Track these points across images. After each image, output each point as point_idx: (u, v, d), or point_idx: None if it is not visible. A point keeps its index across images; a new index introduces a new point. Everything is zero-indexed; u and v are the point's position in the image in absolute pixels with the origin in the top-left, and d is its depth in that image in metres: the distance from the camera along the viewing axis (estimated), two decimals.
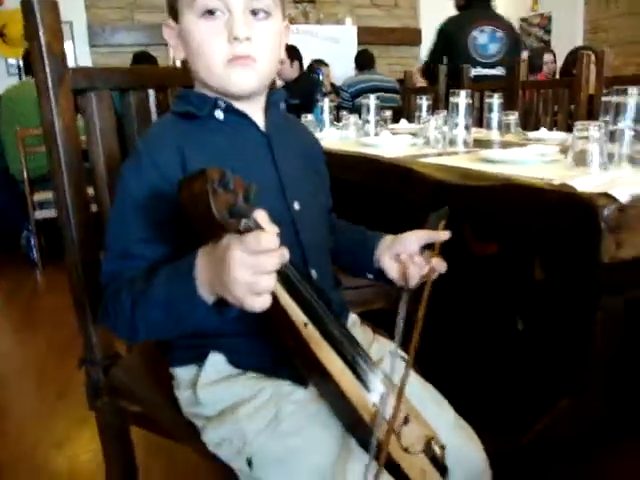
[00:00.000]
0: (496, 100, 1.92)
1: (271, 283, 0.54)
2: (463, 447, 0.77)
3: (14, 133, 3.20)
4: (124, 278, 0.67)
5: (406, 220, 0.95)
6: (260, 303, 0.54)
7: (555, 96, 2.36)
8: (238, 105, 0.75)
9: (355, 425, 0.67)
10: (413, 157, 1.33)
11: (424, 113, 2.31)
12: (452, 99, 1.47)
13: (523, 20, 6.07)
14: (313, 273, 0.77)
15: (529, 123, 2.43)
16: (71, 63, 0.90)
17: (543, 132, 1.82)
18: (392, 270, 0.81)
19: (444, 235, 0.78)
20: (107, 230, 0.72)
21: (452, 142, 1.48)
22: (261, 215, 0.55)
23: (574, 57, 3.46)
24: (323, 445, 0.68)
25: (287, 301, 0.61)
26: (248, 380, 0.74)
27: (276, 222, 0.62)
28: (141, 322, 0.65)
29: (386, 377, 0.70)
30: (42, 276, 3.47)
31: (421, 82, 4.57)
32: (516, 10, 5.86)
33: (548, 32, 5.82)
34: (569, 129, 2.30)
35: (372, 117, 1.94)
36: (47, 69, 0.86)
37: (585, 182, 0.85)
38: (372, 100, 1.94)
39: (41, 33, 0.85)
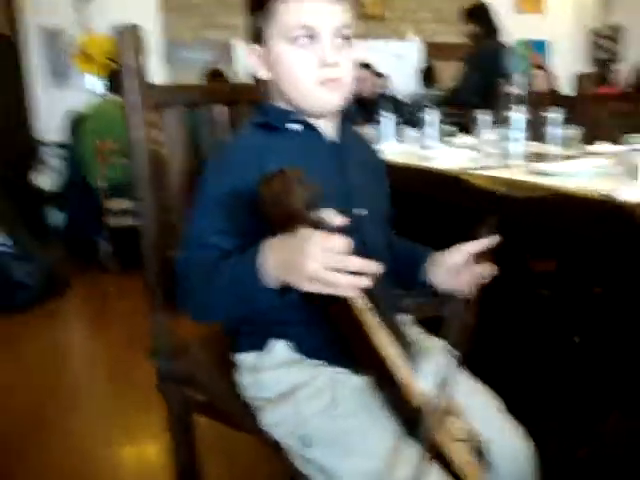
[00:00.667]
0: (557, 115, 1.93)
1: (344, 279, 0.61)
2: (508, 438, 0.80)
3: (94, 146, 3.45)
4: (200, 264, 0.75)
5: (459, 227, 1.00)
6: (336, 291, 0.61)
7: (623, 111, 2.33)
8: (314, 120, 0.83)
9: (405, 411, 0.71)
10: (469, 170, 1.37)
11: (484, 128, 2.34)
12: (510, 114, 1.51)
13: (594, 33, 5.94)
14: None
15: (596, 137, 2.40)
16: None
17: (604, 146, 1.81)
18: (443, 283, 0.86)
19: (490, 240, 0.80)
20: (190, 221, 0.80)
21: (509, 156, 1.52)
22: (330, 211, 0.63)
23: None
24: (375, 430, 0.73)
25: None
26: (307, 366, 0.80)
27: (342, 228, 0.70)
28: (212, 302, 0.73)
29: (437, 368, 0.74)
30: (115, 282, 3.67)
31: None
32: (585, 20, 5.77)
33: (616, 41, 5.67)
34: None
35: (432, 131, 1.99)
36: (134, 90, 0.97)
37: (629, 192, 0.87)
38: (433, 114, 1.99)
39: (130, 58, 0.96)
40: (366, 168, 0.90)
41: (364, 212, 0.84)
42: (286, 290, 0.66)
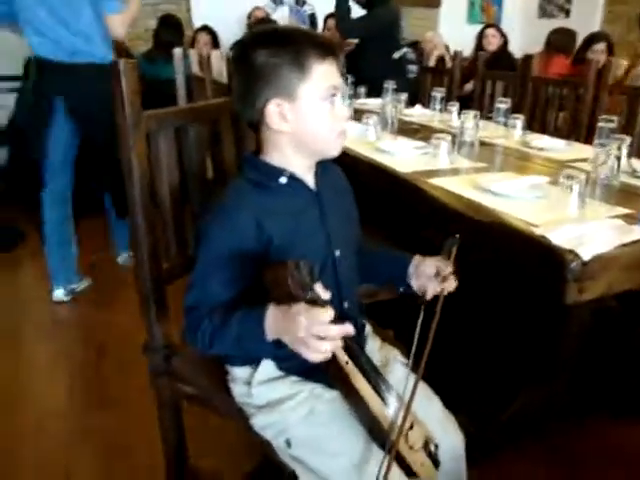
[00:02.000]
0: (503, 105, 2.09)
1: (323, 347, 0.77)
2: (448, 436, 1.02)
3: None
4: (204, 309, 0.89)
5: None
6: (313, 357, 0.78)
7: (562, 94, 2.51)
8: (300, 172, 0.96)
9: (374, 429, 0.91)
10: (424, 174, 1.52)
11: (437, 105, 2.48)
12: (462, 118, 1.66)
13: None
14: (345, 304, 1.01)
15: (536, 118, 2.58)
16: None
17: (545, 140, 1.99)
18: (416, 287, 1.05)
19: (449, 268, 0.99)
20: (195, 269, 0.93)
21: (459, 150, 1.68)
22: (319, 287, 0.78)
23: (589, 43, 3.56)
24: (347, 435, 0.92)
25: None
26: (290, 382, 0.98)
27: (322, 268, 0.90)
28: (216, 346, 0.90)
29: (399, 395, 0.93)
30: None
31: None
32: None
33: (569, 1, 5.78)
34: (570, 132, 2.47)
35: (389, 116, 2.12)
36: (127, 118, 1.05)
37: (559, 236, 1.05)
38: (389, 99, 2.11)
39: (124, 89, 1.04)
40: (342, 209, 1.03)
41: (338, 253, 0.99)
42: (281, 342, 0.82)
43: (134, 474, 1.53)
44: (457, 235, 1.04)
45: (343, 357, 0.84)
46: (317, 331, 0.76)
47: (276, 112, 0.90)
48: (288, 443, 0.95)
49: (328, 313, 0.76)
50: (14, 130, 3.98)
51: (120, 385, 1.93)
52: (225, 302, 0.89)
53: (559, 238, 1.05)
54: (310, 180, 0.98)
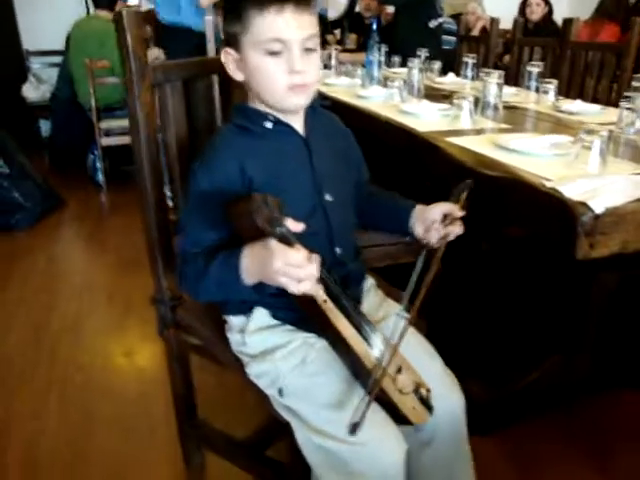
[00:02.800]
0: (535, 69, 2.01)
1: (302, 288, 0.76)
2: (447, 393, 0.99)
3: (83, 64, 3.43)
4: (190, 255, 0.90)
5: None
6: (294, 288, 0.77)
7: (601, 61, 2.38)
8: (283, 115, 0.94)
9: (360, 372, 0.89)
10: (444, 133, 1.48)
11: (469, 72, 2.40)
12: (485, 78, 1.60)
13: None
14: (337, 250, 0.98)
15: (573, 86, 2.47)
16: None
17: (577, 104, 1.90)
18: (418, 234, 1.02)
19: (460, 213, 0.97)
20: (184, 214, 0.94)
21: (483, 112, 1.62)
22: (290, 222, 0.77)
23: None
24: (338, 384, 0.91)
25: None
26: (283, 331, 0.97)
27: (311, 213, 0.87)
28: (201, 291, 0.90)
29: (385, 338, 0.91)
30: (107, 197, 3.80)
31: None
32: None
33: None
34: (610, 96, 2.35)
35: (415, 80, 2.06)
36: (132, 70, 1.06)
37: (572, 189, 1.00)
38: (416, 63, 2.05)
39: (129, 41, 1.04)
40: (334, 154, 1.01)
41: (329, 198, 0.97)
42: (262, 286, 0.82)
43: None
44: (469, 180, 1.01)
45: (321, 295, 0.83)
46: (291, 273, 0.75)
47: (228, 61, 0.92)
48: (280, 392, 0.94)
49: (300, 254, 0.75)
50: (57, 103, 4.09)
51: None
52: (211, 246, 0.88)
53: (572, 191, 1.00)
54: (298, 125, 0.97)
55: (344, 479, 0.88)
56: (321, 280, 0.82)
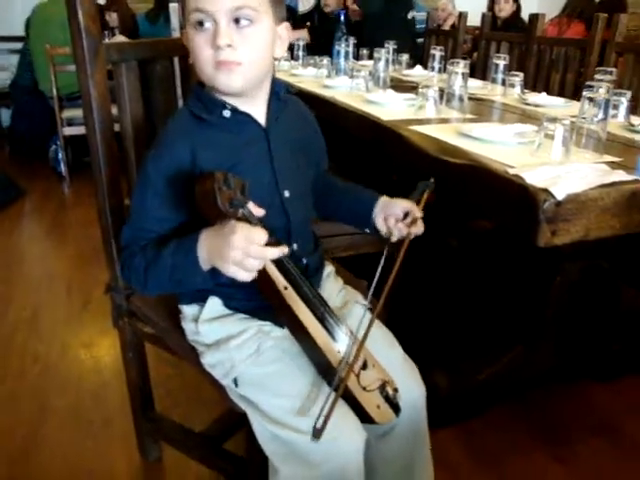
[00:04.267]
0: (501, 62, 2.01)
1: (255, 265, 0.73)
2: (407, 382, 0.97)
3: (44, 51, 3.32)
4: (139, 245, 0.85)
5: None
6: (244, 276, 0.73)
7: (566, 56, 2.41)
8: (242, 103, 0.88)
9: (323, 366, 0.86)
10: (408, 122, 1.46)
11: (436, 64, 2.40)
12: (451, 68, 1.58)
13: None
14: (295, 246, 0.94)
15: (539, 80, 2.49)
16: None
17: (543, 97, 1.91)
18: (382, 228, 0.99)
19: (419, 213, 0.95)
20: (131, 203, 0.89)
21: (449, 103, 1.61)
22: (252, 205, 0.73)
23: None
24: (294, 374, 0.88)
25: (272, 270, 0.80)
26: (238, 320, 0.93)
27: (268, 207, 0.82)
28: (151, 282, 0.85)
29: (350, 331, 0.89)
30: (69, 188, 3.70)
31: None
32: None
33: None
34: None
35: (382, 70, 2.04)
36: (84, 47, 1.01)
37: (534, 175, 0.99)
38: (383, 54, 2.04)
39: (80, 17, 0.99)
40: (296, 146, 0.96)
41: (287, 194, 0.92)
42: (217, 273, 0.77)
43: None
44: (432, 179, 0.99)
45: (281, 281, 0.80)
46: (252, 252, 0.72)
47: (186, 42, 0.85)
48: (235, 382, 0.91)
49: (263, 233, 0.72)
50: (18, 91, 3.97)
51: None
52: (159, 237, 0.84)
53: (534, 178, 0.99)
54: (260, 114, 0.91)
55: (301, 469, 0.85)
56: (282, 267, 0.79)
